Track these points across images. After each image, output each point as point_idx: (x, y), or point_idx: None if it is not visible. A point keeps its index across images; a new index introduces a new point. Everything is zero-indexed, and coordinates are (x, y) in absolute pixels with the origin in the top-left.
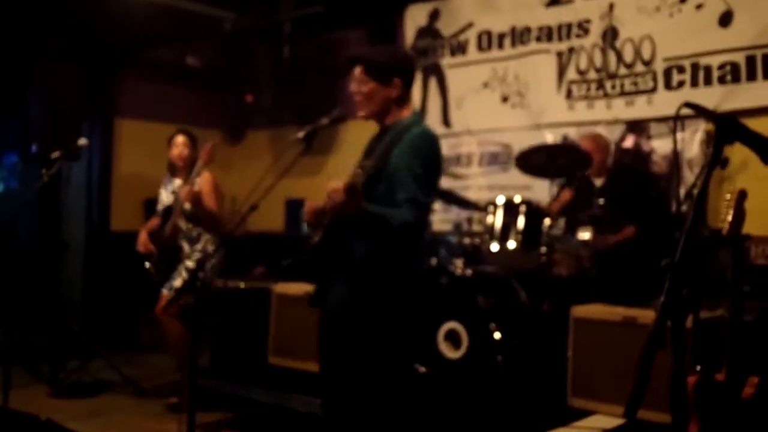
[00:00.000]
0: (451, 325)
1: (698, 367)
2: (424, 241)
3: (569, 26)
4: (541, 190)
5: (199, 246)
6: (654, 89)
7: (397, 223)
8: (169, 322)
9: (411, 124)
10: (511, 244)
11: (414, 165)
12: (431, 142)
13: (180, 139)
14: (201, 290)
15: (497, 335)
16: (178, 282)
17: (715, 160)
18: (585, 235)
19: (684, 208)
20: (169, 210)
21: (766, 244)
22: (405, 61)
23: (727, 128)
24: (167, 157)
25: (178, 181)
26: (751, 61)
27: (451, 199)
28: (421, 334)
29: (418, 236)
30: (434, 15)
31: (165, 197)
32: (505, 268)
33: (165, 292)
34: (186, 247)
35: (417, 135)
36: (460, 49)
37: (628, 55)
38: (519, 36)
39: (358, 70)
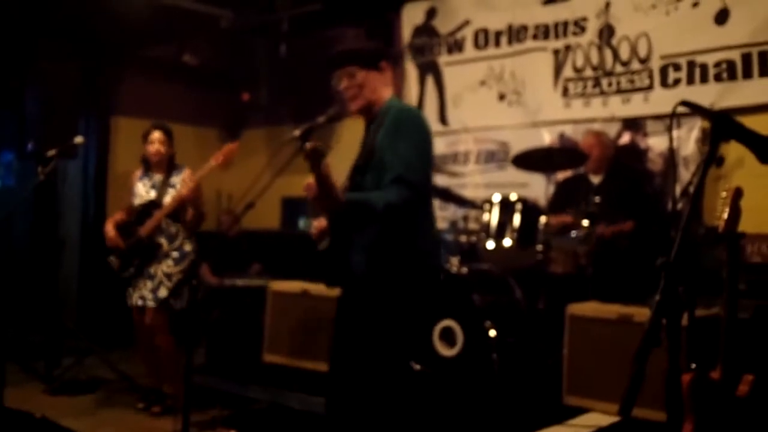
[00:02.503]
0: (447, 322)
1: (693, 365)
2: (432, 236)
3: (566, 24)
4: (538, 188)
5: (176, 243)
6: (650, 87)
7: (381, 206)
8: (161, 333)
9: (390, 106)
10: (507, 242)
11: (397, 144)
12: (411, 117)
13: (156, 135)
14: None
15: (493, 333)
16: (162, 292)
17: (710, 157)
18: (584, 222)
19: (680, 205)
20: (149, 205)
21: (761, 242)
22: (382, 45)
23: (722, 126)
24: (143, 153)
25: (158, 176)
26: (747, 58)
27: (448, 196)
28: (416, 331)
29: (423, 223)
30: (431, 13)
31: (144, 192)
32: (500, 266)
33: (150, 304)
34: (165, 243)
35: (395, 114)
36: (456, 47)
37: (625, 53)
38: (516, 34)
39: (343, 69)
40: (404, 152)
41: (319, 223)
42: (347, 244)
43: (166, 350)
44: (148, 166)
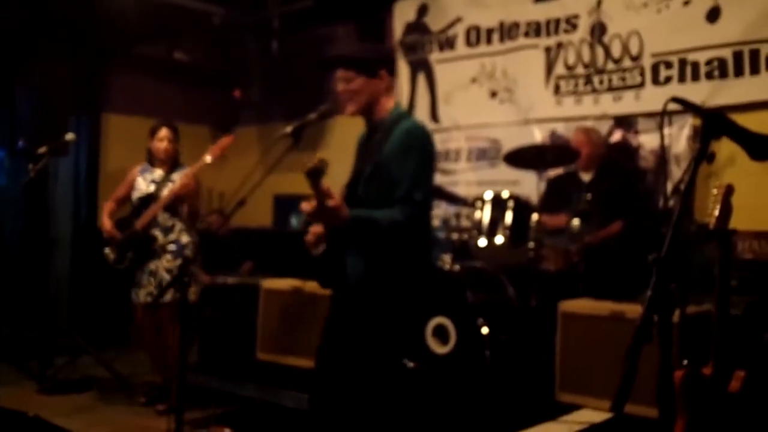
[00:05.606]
0: (440, 320)
1: (685, 362)
2: (429, 240)
3: (557, 21)
4: (529, 186)
5: (172, 236)
6: (642, 84)
7: (385, 223)
8: (170, 326)
9: (398, 118)
10: (499, 240)
11: (406, 161)
12: (422, 135)
13: (164, 132)
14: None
15: (485, 330)
16: (168, 294)
17: (701, 155)
18: (575, 222)
19: (671, 203)
20: (147, 199)
21: (752, 239)
22: (386, 53)
23: (714, 123)
24: (148, 147)
25: (159, 172)
26: (738, 56)
27: (440, 194)
28: (410, 329)
29: (422, 234)
30: (422, 10)
31: (144, 186)
32: (493, 264)
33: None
34: (160, 236)
35: (406, 130)
36: (448, 44)
37: (616, 51)
38: (507, 31)
39: (341, 70)
40: (414, 171)
41: (316, 228)
42: (344, 250)
43: (173, 344)
44: (152, 161)
